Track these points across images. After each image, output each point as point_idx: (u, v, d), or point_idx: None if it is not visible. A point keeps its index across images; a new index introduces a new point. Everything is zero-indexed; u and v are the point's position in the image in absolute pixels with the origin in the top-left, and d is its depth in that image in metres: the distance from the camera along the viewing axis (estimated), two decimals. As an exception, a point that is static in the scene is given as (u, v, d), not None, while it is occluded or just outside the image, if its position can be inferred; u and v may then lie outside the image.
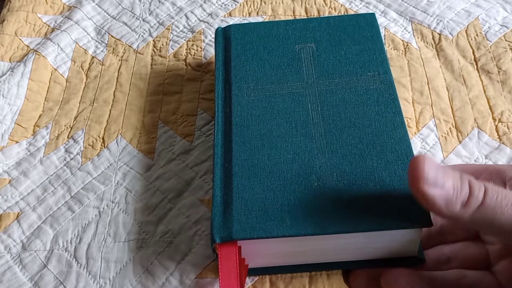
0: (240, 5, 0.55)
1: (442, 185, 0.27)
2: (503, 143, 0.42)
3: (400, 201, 0.31)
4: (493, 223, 0.27)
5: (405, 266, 0.32)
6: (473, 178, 0.28)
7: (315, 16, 0.54)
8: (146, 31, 0.53)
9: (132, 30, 0.54)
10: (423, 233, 0.34)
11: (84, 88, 0.49)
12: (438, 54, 0.49)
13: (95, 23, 0.55)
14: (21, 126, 0.46)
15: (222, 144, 0.36)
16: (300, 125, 0.36)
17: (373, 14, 0.43)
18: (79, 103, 0.47)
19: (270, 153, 0.34)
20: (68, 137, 0.45)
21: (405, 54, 0.49)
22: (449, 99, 0.45)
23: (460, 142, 0.42)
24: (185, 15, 0.55)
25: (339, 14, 0.53)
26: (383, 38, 0.50)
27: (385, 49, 0.40)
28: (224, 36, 0.44)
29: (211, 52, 0.51)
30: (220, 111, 0.38)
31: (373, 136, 0.34)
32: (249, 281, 0.34)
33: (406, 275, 0.31)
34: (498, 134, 0.42)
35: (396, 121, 0.35)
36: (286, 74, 0.39)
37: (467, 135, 0.42)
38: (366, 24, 0.42)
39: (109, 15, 0.56)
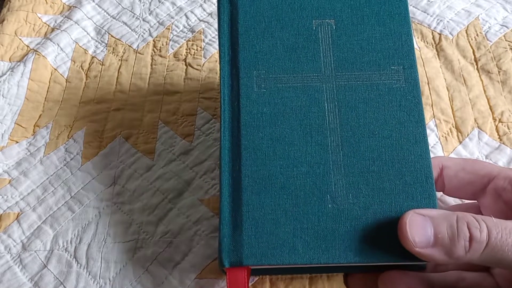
0: (240, 5, 0.55)
1: (435, 241, 0.27)
2: (503, 143, 0.42)
3: None
4: (502, 261, 0.27)
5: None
6: (471, 218, 0.28)
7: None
8: (146, 31, 0.53)
9: (132, 30, 0.54)
10: None
11: (84, 88, 0.49)
12: (438, 54, 0.49)
13: (95, 23, 0.55)
14: (21, 126, 0.46)
15: (230, 147, 0.33)
16: (315, 131, 0.33)
17: None
18: (79, 103, 0.47)
19: (283, 164, 0.32)
20: (68, 137, 0.45)
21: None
22: (449, 99, 0.45)
23: (460, 142, 0.42)
24: (185, 15, 0.55)
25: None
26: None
27: (413, 33, 0.36)
28: (230, 1, 0.37)
29: (210, 51, 0.51)
30: (227, 104, 0.34)
31: (393, 151, 0.32)
32: (249, 282, 0.35)
33: (403, 277, 0.31)
34: (498, 134, 0.42)
35: (418, 134, 0.32)
36: (301, 61, 0.35)
37: (467, 135, 0.42)
38: None
39: (109, 15, 0.56)
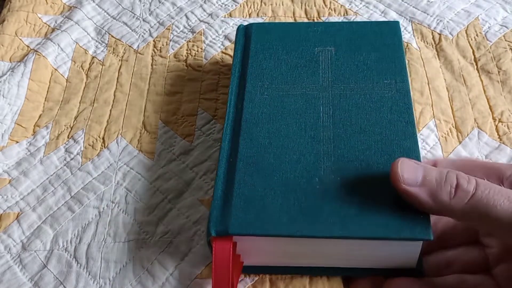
0: (240, 5, 0.55)
1: (422, 181, 0.29)
2: (503, 143, 0.42)
3: (401, 212, 0.30)
4: (486, 216, 0.27)
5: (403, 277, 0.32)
6: (462, 173, 0.29)
7: (315, 18, 0.54)
8: (146, 31, 0.53)
9: (132, 30, 0.54)
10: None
11: (84, 88, 0.49)
12: (438, 54, 0.49)
13: (95, 23, 0.55)
14: (21, 126, 0.46)
15: (230, 139, 0.36)
16: (310, 127, 0.35)
17: (397, 22, 0.43)
18: (79, 103, 0.47)
19: (276, 152, 0.34)
20: (68, 137, 0.45)
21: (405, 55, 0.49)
22: (449, 99, 0.45)
23: (460, 142, 0.42)
24: (185, 15, 0.55)
25: (340, 20, 0.53)
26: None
27: (405, 57, 0.40)
28: (245, 34, 0.44)
29: (211, 52, 0.51)
30: (232, 106, 0.38)
31: (382, 144, 0.34)
32: (249, 281, 0.34)
33: (408, 285, 0.31)
34: (498, 134, 0.42)
35: (407, 131, 0.34)
36: (302, 75, 0.39)
37: (467, 135, 0.42)
38: (389, 32, 0.42)
39: (109, 15, 0.56)
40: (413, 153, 0.33)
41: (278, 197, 0.32)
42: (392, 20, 0.52)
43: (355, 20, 0.52)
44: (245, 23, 0.52)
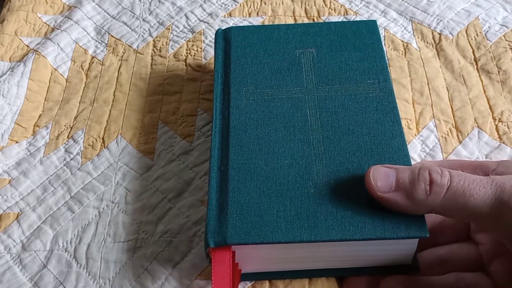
0: (240, 5, 0.55)
1: (396, 185, 0.29)
2: (503, 143, 0.42)
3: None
4: (464, 207, 0.27)
5: (399, 274, 0.33)
6: (434, 166, 0.29)
7: (315, 17, 0.54)
8: (146, 31, 0.53)
9: (132, 30, 0.54)
10: None
11: (84, 88, 0.49)
12: (438, 54, 0.49)
13: (95, 23, 0.55)
14: (21, 126, 0.46)
15: (219, 147, 0.36)
16: (298, 130, 0.36)
17: (374, 21, 0.43)
18: (79, 103, 0.47)
19: (267, 158, 0.34)
20: (68, 137, 0.45)
21: (405, 55, 0.49)
22: (449, 99, 0.45)
23: (460, 142, 0.42)
24: (185, 15, 0.55)
25: (340, 20, 0.53)
26: (382, 39, 0.50)
27: (386, 56, 0.40)
28: (224, 38, 0.43)
29: (211, 52, 0.51)
30: (218, 113, 0.38)
31: (371, 145, 0.34)
32: (248, 282, 0.34)
33: (404, 283, 0.31)
34: (498, 134, 0.42)
35: (394, 130, 0.35)
36: (286, 79, 0.39)
37: (467, 135, 0.42)
38: (367, 31, 0.42)
39: (109, 15, 0.56)
40: (402, 152, 0.34)
41: (273, 203, 0.32)
42: (393, 19, 0.52)
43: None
44: (245, 23, 0.53)
